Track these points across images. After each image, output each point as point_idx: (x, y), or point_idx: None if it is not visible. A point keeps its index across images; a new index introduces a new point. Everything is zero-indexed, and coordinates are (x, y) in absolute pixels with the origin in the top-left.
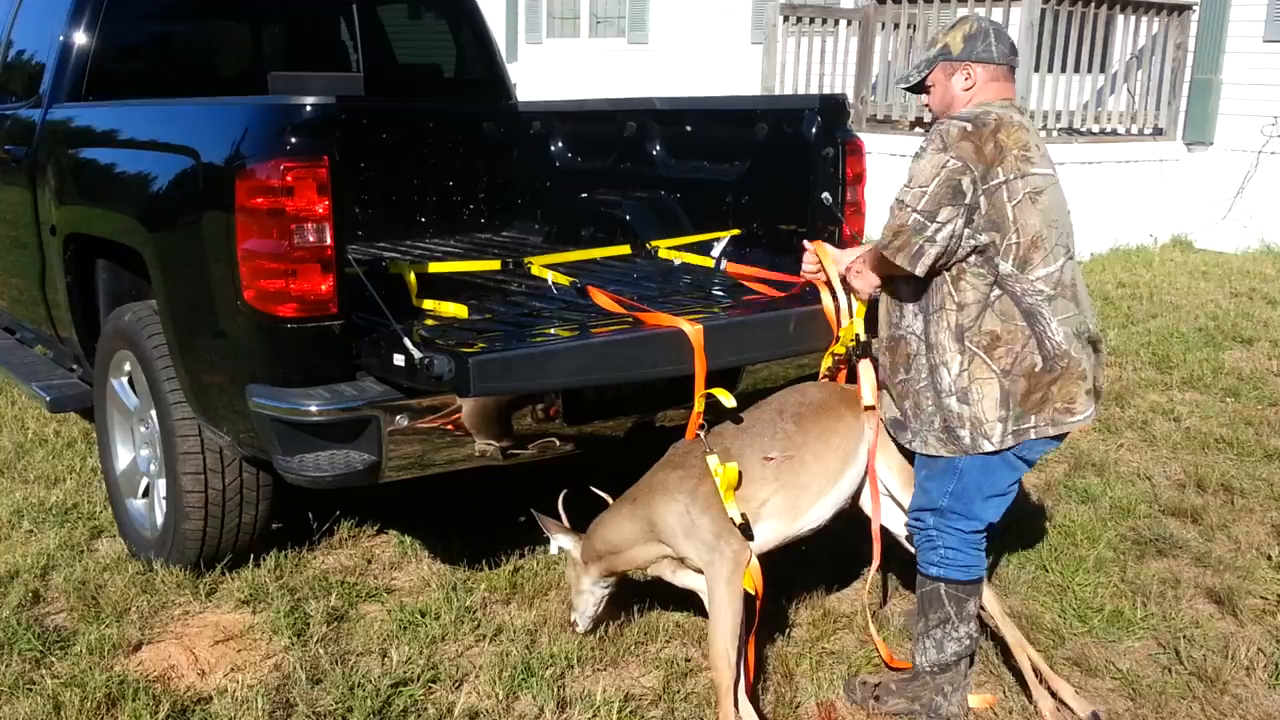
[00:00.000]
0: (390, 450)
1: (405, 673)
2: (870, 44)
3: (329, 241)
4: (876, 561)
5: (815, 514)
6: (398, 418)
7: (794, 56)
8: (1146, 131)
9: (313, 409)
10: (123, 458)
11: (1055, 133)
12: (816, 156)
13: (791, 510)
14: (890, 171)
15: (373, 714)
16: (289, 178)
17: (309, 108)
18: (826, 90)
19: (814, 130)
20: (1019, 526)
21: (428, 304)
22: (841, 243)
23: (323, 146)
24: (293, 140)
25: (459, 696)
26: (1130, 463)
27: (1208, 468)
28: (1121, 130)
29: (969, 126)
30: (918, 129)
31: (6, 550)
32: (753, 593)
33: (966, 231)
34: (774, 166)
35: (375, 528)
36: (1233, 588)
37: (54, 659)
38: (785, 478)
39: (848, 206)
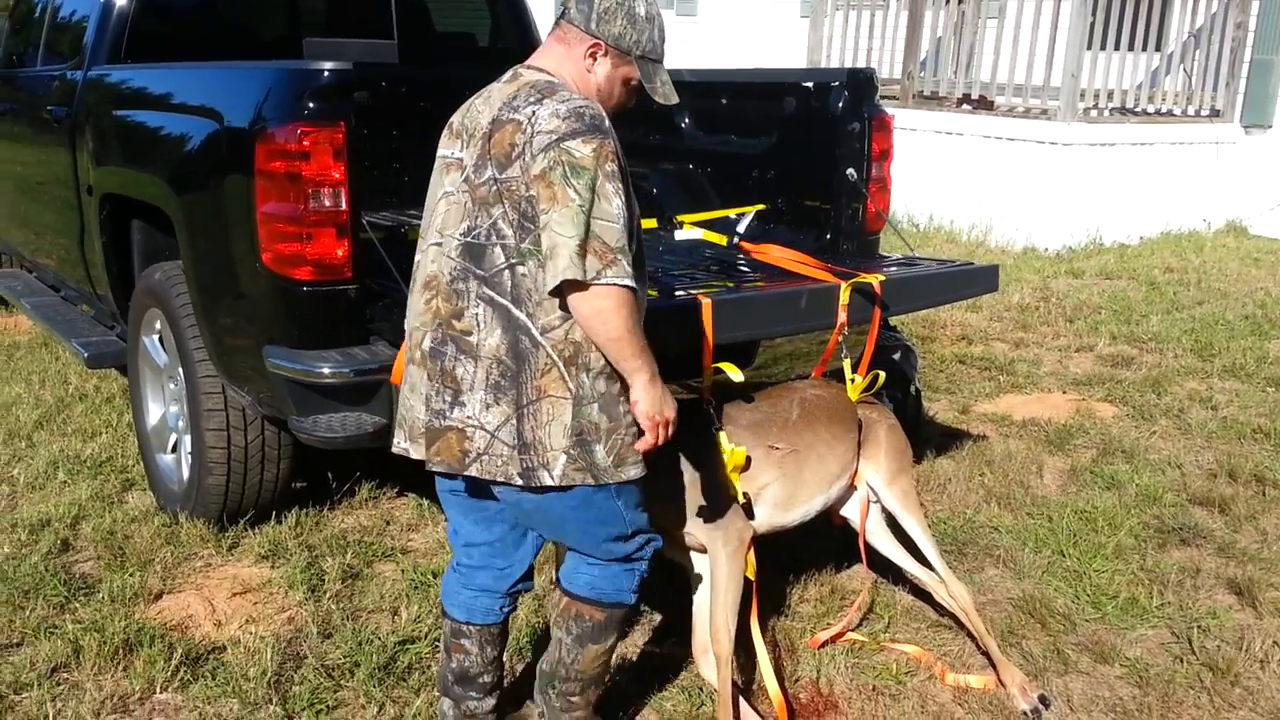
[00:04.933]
0: None
1: (414, 631)
2: (920, 19)
3: (345, 206)
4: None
5: (804, 510)
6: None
7: (841, 31)
8: (1203, 113)
9: (325, 371)
10: (153, 413)
11: (1108, 112)
12: (843, 131)
13: (786, 502)
14: (938, 149)
15: (378, 669)
16: (306, 142)
17: (326, 73)
18: (876, 67)
19: (840, 105)
20: (1038, 511)
21: None
22: (866, 219)
23: (340, 112)
24: (310, 105)
25: None
26: (1162, 450)
27: (1241, 458)
28: (1177, 111)
29: None
30: (965, 106)
31: (41, 500)
32: (749, 577)
33: None
34: (800, 141)
35: (395, 490)
36: (1254, 579)
37: (78, 605)
38: (787, 469)
39: (873, 183)
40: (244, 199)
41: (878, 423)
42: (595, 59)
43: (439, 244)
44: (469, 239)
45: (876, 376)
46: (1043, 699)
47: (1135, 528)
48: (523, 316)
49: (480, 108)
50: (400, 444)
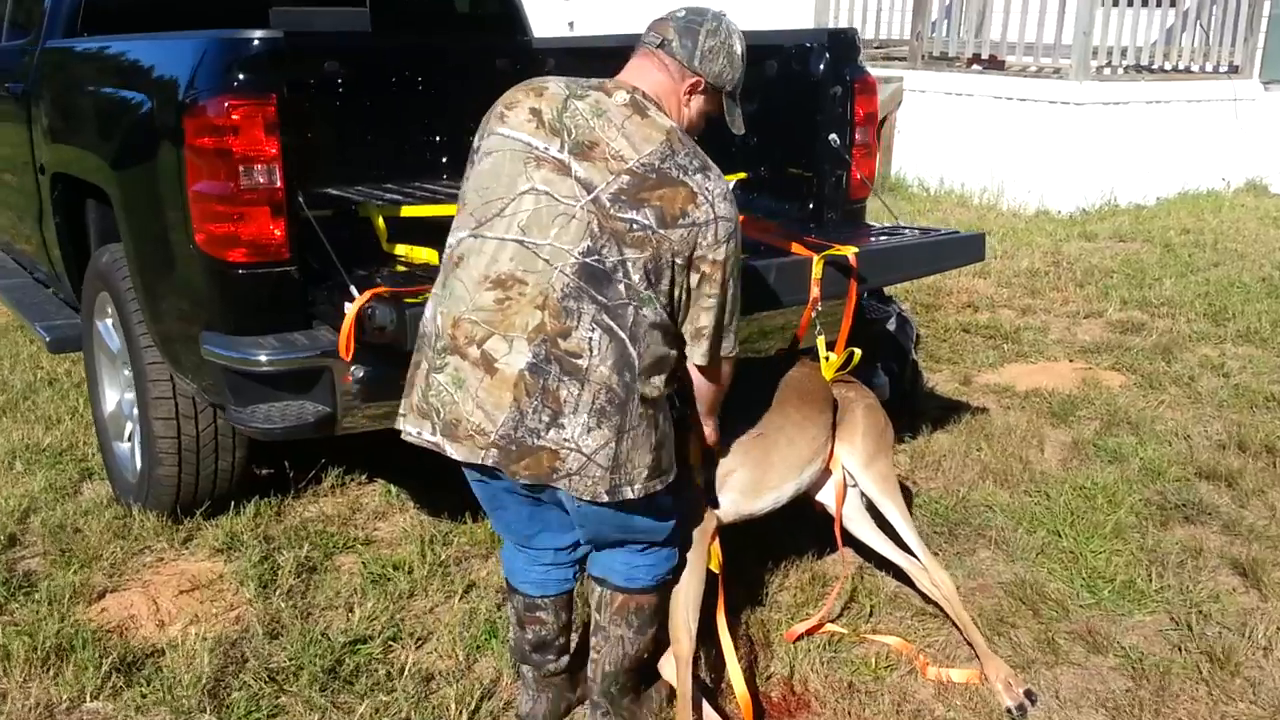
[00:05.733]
0: (346, 402)
1: (367, 630)
2: None
3: (279, 184)
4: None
5: (774, 496)
6: (352, 369)
7: None
8: (1221, 69)
9: (262, 359)
10: (109, 400)
11: (1122, 70)
12: (825, 95)
13: (754, 488)
14: (946, 111)
15: (322, 672)
16: (235, 116)
17: (256, 43)
18: (885, 27)
19: (821, 67)
20: (1036, 488)
21: (399, 249)
22: (850, 187)
23: (271, 84)
24: (240, 77)
25: (417, 656)
26: (1169, 421)
27: (1252, 427)
28: (1194, 68)
29: None
30: (975, 66)
31: None
32: (714, 569)
33: None
34: (782, 106)
35: (364, 475)
36: (1260, 559)
37: (16, 605)
38: (754, 453)
39: (857, 148)
40: (176, 177)
41: (855, 402)
42: (692, 95)
43: (522, 242)
44: (590, 261)
45: (852, 354)
46: (1029, 694)
47: (1137, 505)
48: (634, 354)
49: (592, 120)
50: (427, 436)
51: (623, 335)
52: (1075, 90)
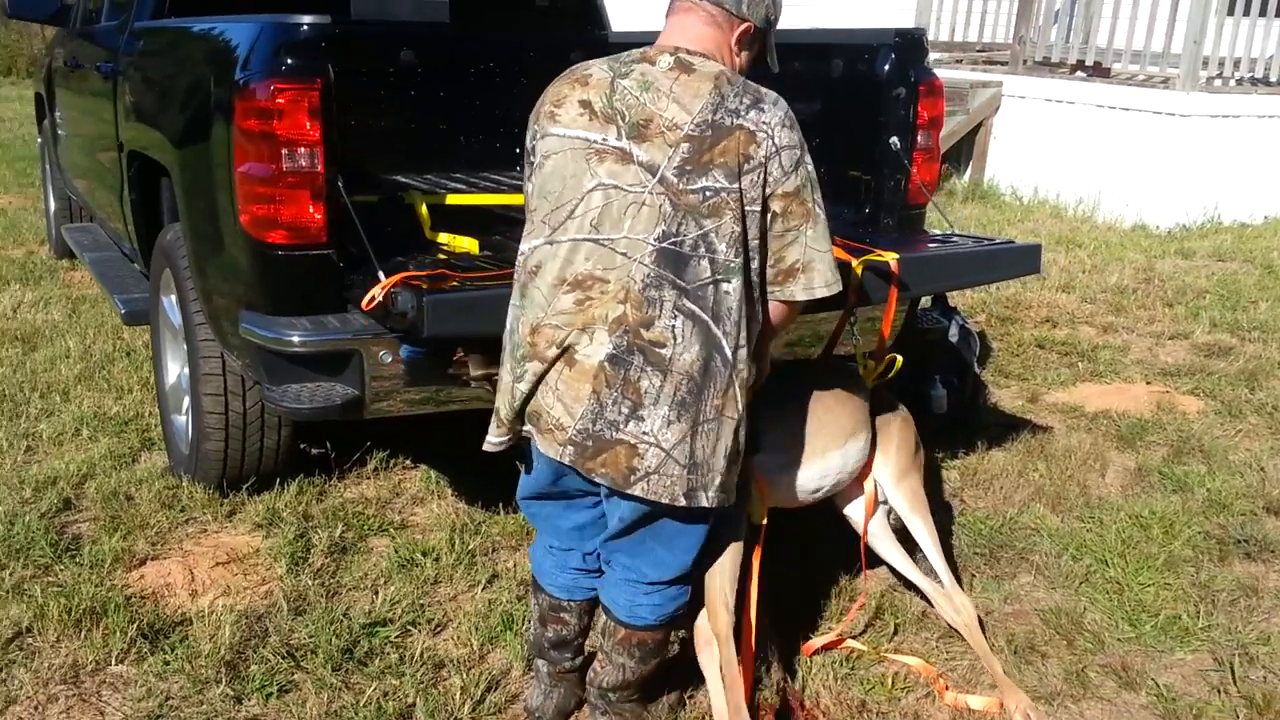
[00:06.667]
0: (374, 386)
1: (388, 613)
2: None
3: (320, 169)
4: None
5: (819, 466)
6: (380, 354)
7: None
8: None
9: (295, 339)
10: (172, 373)
11: (1234, 82)
12: (888, 97)
13: (795, 448)
14: (1046, 118)
15: (338, 652)
16: (280, 99)
17: (304, 27)
18: (989, 29)
19: (887, 68)
20: (1089, 514)
21: (442, 237)
22: (909, 194)
23: (317, 68)
24: (287, 61)
25: (432, 643)
26: (1244, 451)
27: None
28: None
29: None
30: (1079, 72)
31: (56, 457)
32: (757, 522)
33: None
34: (846, 107)
35: (408, 460)
36: None
37: (62, 567)
38: (796, 411)
39: (919, 154)
40: (226, 158)
41: (892, 415)
42: (743, 43)
43: (596, 240)
44: (667, 245)
45: (893, 361)
46: None
47: (1195, 537)
48: (719, 334)
49: (641, 96)
50: (520, 429)
51: (705, 317)
52: (1182, 101)
